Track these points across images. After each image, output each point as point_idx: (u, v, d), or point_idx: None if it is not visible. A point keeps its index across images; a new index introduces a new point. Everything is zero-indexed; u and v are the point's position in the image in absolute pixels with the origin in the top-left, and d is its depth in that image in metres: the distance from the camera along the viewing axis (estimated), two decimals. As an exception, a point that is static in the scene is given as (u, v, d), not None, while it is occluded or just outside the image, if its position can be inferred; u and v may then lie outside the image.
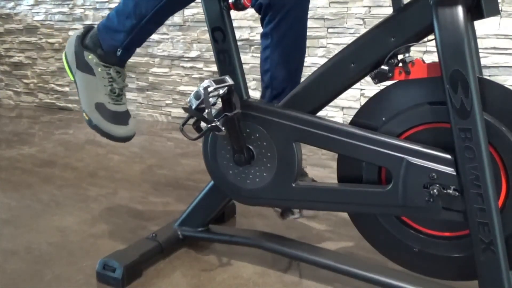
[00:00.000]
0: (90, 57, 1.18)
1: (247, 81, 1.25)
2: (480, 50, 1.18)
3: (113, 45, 1.19)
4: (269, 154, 1.21)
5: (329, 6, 2.48)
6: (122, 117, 1.19)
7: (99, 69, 1.18)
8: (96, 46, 1.20)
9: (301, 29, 1.31)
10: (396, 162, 1.06)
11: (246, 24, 2.72)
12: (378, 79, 1.10)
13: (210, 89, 1.06)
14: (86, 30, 1.24)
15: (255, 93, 2.55)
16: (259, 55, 2.78)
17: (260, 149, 1.21)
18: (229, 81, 1.12)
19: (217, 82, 1.09)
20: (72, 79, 1.22)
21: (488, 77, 1.12)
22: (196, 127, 1.12)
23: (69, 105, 3.51)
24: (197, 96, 1.08)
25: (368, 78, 1.14)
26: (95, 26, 1.25)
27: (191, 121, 1.11)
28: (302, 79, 1.20)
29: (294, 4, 1.26)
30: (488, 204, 0.97)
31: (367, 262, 1.22)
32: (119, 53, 1.18)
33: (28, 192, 1.88)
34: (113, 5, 3.12)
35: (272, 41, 1.26)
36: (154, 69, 3.10)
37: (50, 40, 3.46)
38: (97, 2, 3.19)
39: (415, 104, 1.08)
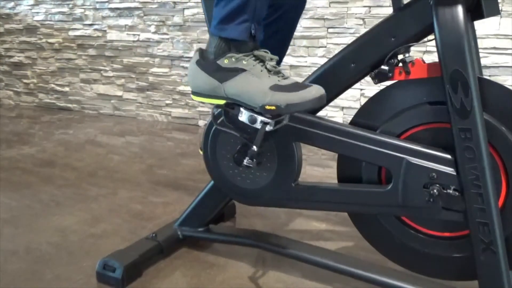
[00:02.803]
0: (227, 61, 1.04)
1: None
2: (480, 50, 1.18)
3: (245, 27, 1.03)
4: (269, 154, 1.21)
5: (329, 6, 2.48)
6: (301, 84, 1.03)
7: (244, 62, 1.03)
8: (226, 46, 1.06)
9: (291, 30, 1.32)
10: (396, 162, 1.06)
11: (246, 24, 2.72)
12: (378, 79, 1.10)
13: (267, 129, 1.06)
14: (199, 52, 1.10)
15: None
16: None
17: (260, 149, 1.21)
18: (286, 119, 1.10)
19: (277, 122, 1.07)
20: (223, 102, 1.07)
21: (488, 77, 1.12)
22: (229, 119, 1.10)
23: (69, 105, 3.51)
24: (252, 121, 1.06)
25: (368, 78, 1.15)
26: (201, 47, 1.12)
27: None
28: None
29: (291, 6, 1.26)
30: (488, 204, 0.97)
31: (367, 262, 1.22)
32: (253, 30, 1.04)
33: (28, 192, 1.88)
34: (113, 5, 3.12)
35: (262, 35, 1.26)
36: (154, 69, 3.10)
37: (50, 40, 3.46)
38: (97, 2, 3.19)
39: (415, 104, 1.08)
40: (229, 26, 1.03)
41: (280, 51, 1.32)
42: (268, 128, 1.05)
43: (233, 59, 1.05)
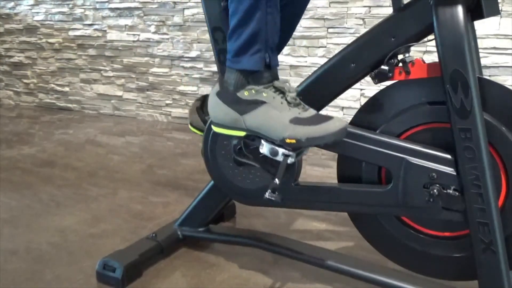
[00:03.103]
0: (247, 93, 1.03)
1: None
2: (480, 50, 1.18)
3: (259, 57, 1.03)
4: (269, 154, 1.20)
5: (329, 6, 2.48)
6: (322, 116, 1.02)
7: (264, 94, 1.02)
8: (244, 78, 1.05)
9: (292, 25, 1.31)
10: (396, 162, 1.06)
11: (246, 24, 2.71)
12: (378, 79, 1.10)
13: (288, 161, 1.05)
14: (219, 83, 1.09)
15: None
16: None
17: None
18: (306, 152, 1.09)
19: (298, 153, 1.07)
20: (243, 134, 1.07)
21: (488, 77, 1.12)
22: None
23: (69, 105, 3.51)
24: (273, 153, 1.05)
25: (368, 78, 1.14)
26: (221, 78, 1.11)
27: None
28: (302, 80, 1.20)
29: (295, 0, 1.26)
30: (488, 204, 0.97)
31: (367, 262, 1.22)
32: (268, 59, 1.04)
33: (28, 192, 1.88)
34: (112, 5, 3.12)
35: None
36: (154, 69, 3.10)
37: (50, 40, 3.46)
38: (97, 2, 3.19)
39: (415, 104, 1.08)
40: (243, 58, 1.03)
41: (279, 45, 1.32)
42: (290, 160, 1.05)
43: (253, 91, 1.04)
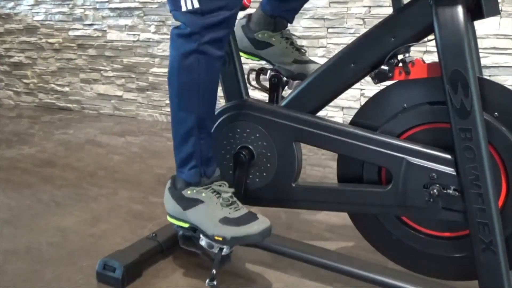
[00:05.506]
0: (189, 192, 1.18)
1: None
2: (480, 50, 1.18)
3: (195, 172, 1.18)
4: (269, 154, 1.21)
5: (329, 6, 2.48)
6: (249, 217, 1.14)
7: (203, 194, 1.17)
8: (187, 182, 1.20)
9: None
10: (396, 162, 1.06)
11: (246, 24, 2.71)
12: (378, 79, 1.10)
13: (223, 253, 1.15)
14: (171, 180, 1.24)
15: (255, 93, 2.55)
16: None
17: (260, 149, 1.21)
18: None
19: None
20: (187, 225, 1.20)
21: (488, 77, 1.12)
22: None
23: (69, 105, 3.51)
24: (209, 246, 1.16)
25: (368, 78, 1.15)
26: (174, 175, 1.25)
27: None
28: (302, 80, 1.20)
29: None
30: (488, 204, 0.97)
31: (367, 262, 1.22)
32: (203, 172, 1.19)
33: (28, 192, 1.88)
34: (112, 5, 3.12)
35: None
36: (154, 69, 3.10)
37: (50, 40, 3.46)
38: (97, 2, 3.19)
39: (415, 104, 1.08)
40: (184, 170, 1.19)
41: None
42: (224, 252, 1.16)
43: (194, 191, 1.18)
